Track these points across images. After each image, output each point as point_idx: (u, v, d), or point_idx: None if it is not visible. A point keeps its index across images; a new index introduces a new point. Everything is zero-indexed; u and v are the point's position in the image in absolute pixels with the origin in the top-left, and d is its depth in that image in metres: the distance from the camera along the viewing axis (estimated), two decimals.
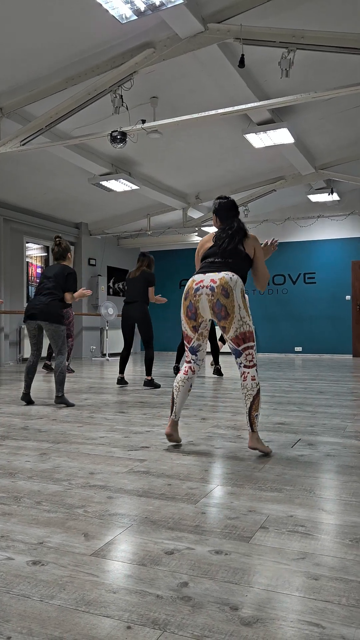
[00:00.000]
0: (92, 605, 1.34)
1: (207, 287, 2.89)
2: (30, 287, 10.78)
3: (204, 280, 2.92)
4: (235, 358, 2.94)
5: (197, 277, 2.97)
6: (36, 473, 2.55)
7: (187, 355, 3.10)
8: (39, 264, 11.19)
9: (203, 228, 11.70)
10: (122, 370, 6.26)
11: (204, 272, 2.98)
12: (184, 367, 3.10)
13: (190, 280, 3.00)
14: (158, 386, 6.08)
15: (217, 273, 2.92)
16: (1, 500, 2.15)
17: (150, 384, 6.08)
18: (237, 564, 1.57)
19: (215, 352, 7.49)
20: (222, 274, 2.90)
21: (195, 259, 3.26)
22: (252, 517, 1.95)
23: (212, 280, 2.89)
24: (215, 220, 3.24)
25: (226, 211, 3.21)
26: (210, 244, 3.15)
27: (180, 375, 3.09)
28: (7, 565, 1.57)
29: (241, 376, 2.91)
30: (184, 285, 6.50)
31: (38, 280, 4.77)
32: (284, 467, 2.63)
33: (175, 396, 3.06)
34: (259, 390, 2.88)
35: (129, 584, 1.45)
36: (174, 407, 3.07)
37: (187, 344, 3.07)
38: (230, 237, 3.05)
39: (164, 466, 2.67)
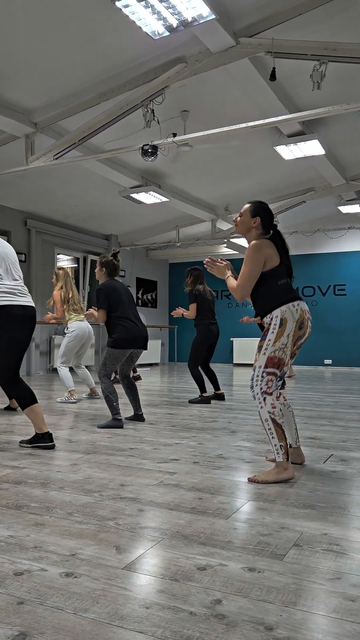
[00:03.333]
0: (125, 620, 1.33)
1: (309, 320, 2.86)
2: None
3: (306, 311, 2.84)
4: (282, 377, 2.81)
5: (304, 307, 2.81)
6: (67, 484, 2.57)
7: (274, 382, 2.72)
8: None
9: (232, 240, 11.69)
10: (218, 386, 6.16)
11: (300, 299, 2.83)
12: (277, 395, 2.73)
13: (301, 310, 2.78)
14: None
15: (304, 302, 2.85)
16: (34, 511, 2.17)
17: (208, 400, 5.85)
18: (271, 582, 1.54)
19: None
20: (304, 304, 2.86)
21: (256, 263, 2.79)
22: (285, 534, 1.92)
23: (308, 312, 2.85)
24: (258, 226, 2.95)
25: (272, 219, 2.98)
26: (276, 256, 2.85)
27: (279, 403, 2.72)
28: (41, 576, 1.58)
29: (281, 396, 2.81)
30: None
31: (119, 298, 4.70)
32: (316, 483, 2.59)
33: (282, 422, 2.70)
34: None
35: (162, 599, 1.44)
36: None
37: (279, 371, 2.73)
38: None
39: (194, 479, 2.66)
